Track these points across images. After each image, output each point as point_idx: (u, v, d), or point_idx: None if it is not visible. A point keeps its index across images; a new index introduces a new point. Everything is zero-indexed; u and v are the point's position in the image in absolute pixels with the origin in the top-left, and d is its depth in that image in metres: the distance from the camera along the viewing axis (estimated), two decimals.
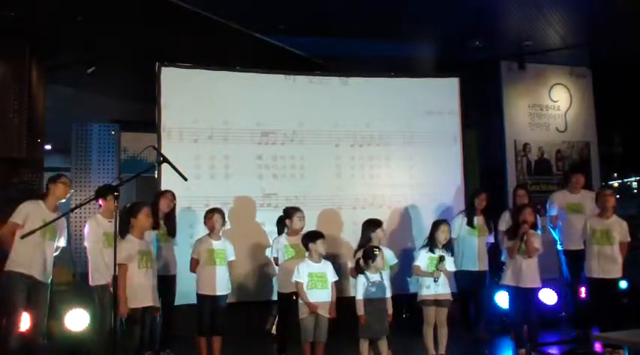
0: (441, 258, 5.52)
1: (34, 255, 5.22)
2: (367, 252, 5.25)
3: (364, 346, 5.17)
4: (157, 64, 6.67)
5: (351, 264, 5.57)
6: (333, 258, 6.09)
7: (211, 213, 5.62)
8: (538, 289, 5.90)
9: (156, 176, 6.40)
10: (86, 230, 5.48)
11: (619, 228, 5.93)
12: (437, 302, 5.53)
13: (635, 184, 11.97)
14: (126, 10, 6.32)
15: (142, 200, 5.77)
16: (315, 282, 5.22)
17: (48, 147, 9.61)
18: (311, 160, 7.06)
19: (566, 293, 6.91)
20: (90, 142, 8.45)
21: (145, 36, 6.90)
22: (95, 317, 5.57)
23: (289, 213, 5.87)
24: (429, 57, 8.27)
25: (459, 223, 6.67)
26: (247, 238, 6.63)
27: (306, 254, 5.38)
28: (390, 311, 5.23)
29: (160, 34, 6.83)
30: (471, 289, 6.59)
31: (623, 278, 6.11)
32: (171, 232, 5.97)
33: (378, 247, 5.34)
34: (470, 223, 6.63)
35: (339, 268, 5.98)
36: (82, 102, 9.07)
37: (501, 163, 8.85)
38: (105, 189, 4.84)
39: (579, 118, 9.30)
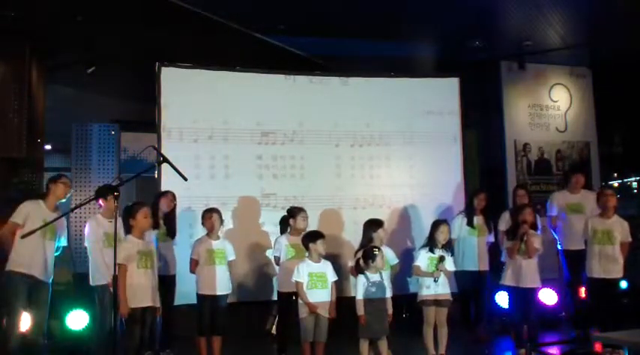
0: (441, 258, 5.52)
1: (35, 255, 5.22)
2: (367, 252, 5.25)
3: (364, 346, 5.17)
4: (157, 64, 6.67)
5: (351, 264, 5.57)
6: (334, 258, 6.09)
7: (209, 213, 5.62)
8: (538, 289, 5.91)
9: (156, 176, 6.40)
10: (86, 230, 5.48)
11: (620, 228, 5.94)
12: (437, 302, 5.52)
13: (635, 184, 11.97)
14: (126, 10, 6.33)
15: (142, 200, 5.76)
16: (315, 282, 5.22)
17: (48, 147, 9.61)
18: (311, 160, 7.06)
19: (566, 293, 6.91)
20: (90, 142, 8.43)
21: (145, 36, 6.90)
22: (95, 317, 5.58)
23: (293, 212, 5.88)
24: (429, 57, 8.28)
25: (459, 223, 6.67)
26: (247, 238, 6.63)
27: (306, 254, 5.38)
28: (390, 311, 5.23)
29: (160, 34, 6.83)
30: (471, 289, 6.59)
31: (623, 278, 6.11)
32: (171, 232, 5.97)
33: (377, 247, 5.34)
34: (470, 223, 6.63)
35: (340, 268, 5.99)
36: (82, 102, 9.07)
37: (501, 163, 8.85)
38: (105, 189, 4.85)
39: (579, 118, 9.30)
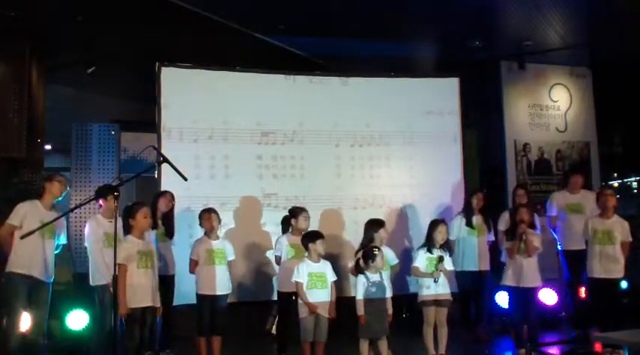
0: (440, 258, 5.51)
1: (34, 255, 5.23)
2: (367, 252, 5.25)
3: (364, 346, 5.17)
4: (157, 64, 6.67)
5: (351, 264, 5.57)
6: (335, 258, 6.09)
7: (207, 213, 5.61)
8: (538, 289, 5.91)
9: (156, 176, 6.40)
10: (86, 230, 5.48)
11: (620, 228, 5.94)
12: (437, 303, 5.52)
13: (635, 184, 11.96)
14: (126, 10, 6.33)
15: (142, 200, 5.76)
16: (314, 282, 5.22)
17: (48, 147, 9.62)
18: (311, 160, 7.06)
19: (566, 293, 6.91)
20: (90, 142, 8.43)
21: (145, 36, 6.91)
22: (95, 317, 5.58)
23: (295, 212, 5.88)
24: (429, 57, 8.28)
25: (458, 224, 6.66)
26: (248, 238, 6.63)
27: (305, 254, 5.38)
28: (390, 311, 5.23)
29: (160, 34, 6.84)
30: (471, 289, 6.59)
31: (623, 278, 6.11)
32: (169, 232, 5.95)
33: (377, 247, 5.34)
34: (469, 223, 6.63)
35: (340, 268, 5.99)
36: (82, 102, 9.08)
37: (501, 163, 8.85)
38: (105, 189, 4.85)
39: (579, 118, 9.30)
